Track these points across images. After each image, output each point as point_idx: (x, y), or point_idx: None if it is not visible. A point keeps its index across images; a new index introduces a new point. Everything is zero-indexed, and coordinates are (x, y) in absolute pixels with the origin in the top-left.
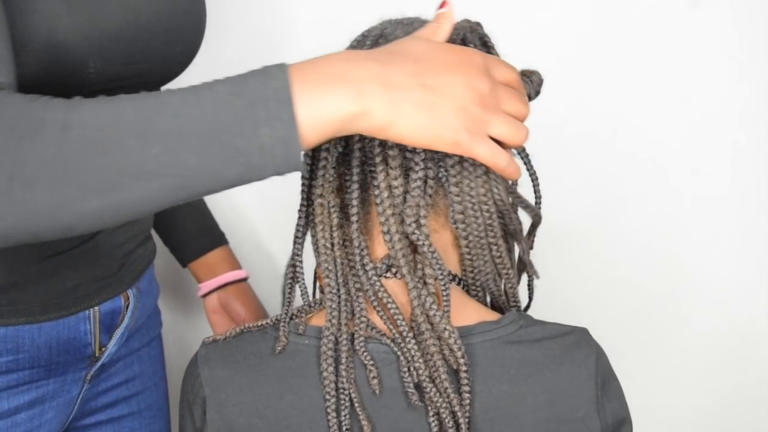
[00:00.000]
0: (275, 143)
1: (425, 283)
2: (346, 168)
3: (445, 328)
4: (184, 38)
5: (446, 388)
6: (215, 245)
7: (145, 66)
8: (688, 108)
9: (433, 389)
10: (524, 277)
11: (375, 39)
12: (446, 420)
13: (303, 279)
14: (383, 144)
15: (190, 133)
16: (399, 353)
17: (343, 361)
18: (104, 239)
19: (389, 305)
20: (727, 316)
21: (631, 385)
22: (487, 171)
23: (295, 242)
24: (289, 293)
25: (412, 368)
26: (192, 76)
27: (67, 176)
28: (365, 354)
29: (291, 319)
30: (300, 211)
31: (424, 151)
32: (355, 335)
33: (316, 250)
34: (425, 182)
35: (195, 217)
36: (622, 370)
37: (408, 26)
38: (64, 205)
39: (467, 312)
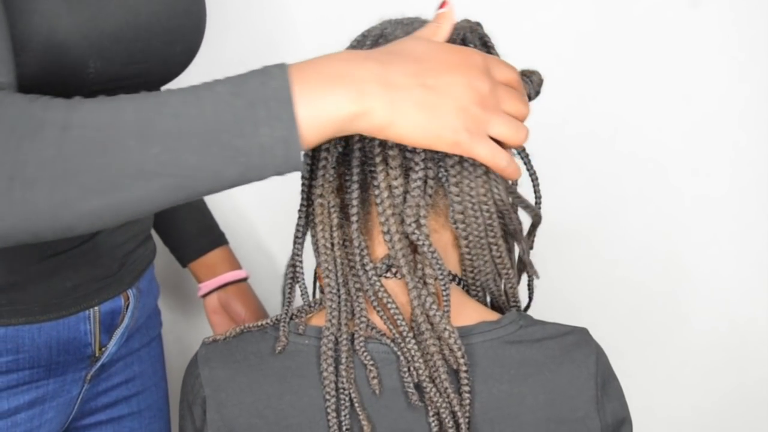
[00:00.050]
0: (275, 143)
1: (425, 283)
2: (346, 168)
3: (445, 328)
4: (184, 38)
5: (446, 388)
6: (215, 245)
7: (145, 66)
8: (688, 108)
9: (433, 389)
10: (524, 277)
11: (375, 39)
12: (446, 420)
13: (303, 279)
14: (383, 144)
15: (190, 133)
16: (399, 353)
17: (343, 361)
18: (104, 239)
19: (389, 305)
20: (727, 316)
21: (631, 385)
22: (487, 171)
23: (295, 242)
24: (289, 293)
25: (412, 368)
26: (192, 76)
27: (67, 176)
28: (365, 354)
29: (291, 319)
30: (300, 211)
31: (424, 151)
32: (355, 335)
33: (316, 250)
34: (425, 182)
35: (195, 217)
36: (622, 370)
37: (408, 26)
38: (64, 205)
39: (467, 312)
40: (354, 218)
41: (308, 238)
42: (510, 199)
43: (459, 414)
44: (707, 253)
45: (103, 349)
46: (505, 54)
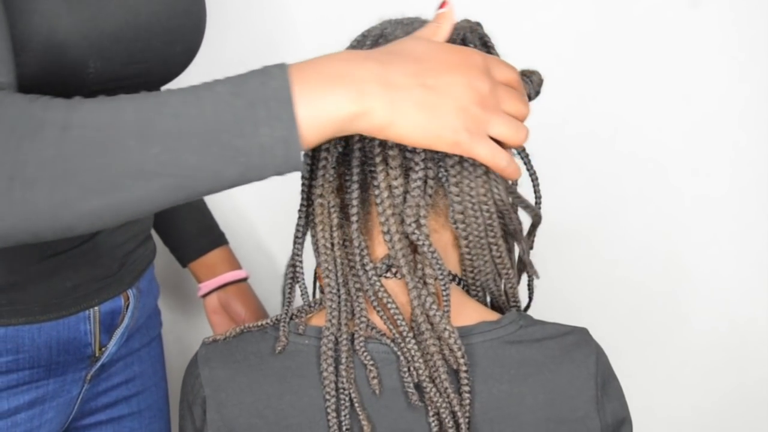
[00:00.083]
0: (275, 143)
1: (425, 283)
2: (346, 168)
3: (445, 328)
4: (184, 38)
5: (446, 388)
6: (215, 245)
7: (145, 66)
8: (688, 108)
9: (433, 389)
10: (524, 277)
11: (375, 39)
12: (446, 420)
13: (303, 279)
14: (383, 144)
15: (190, 133)
16: (399, 353)
17: (343, 361)
18: (104, 239)
19: (389, 305)
20: (727, 316)
21: (631, 385)
22: (487, 171)
23: (295, 242)
24: (289, 293)
25: (412, 368)
26: (192, 76)
27: (67, 176)
28: (365, 354)
29: (291, 319)
30: (300, 211)
31: (424, 151)
32: (355, 335)
33: (316, 250)
34: (425, 182)
35: (195, 217)
36: (622, 370)
37: (408, 26)
38: (64, 205)
39: (467, 312)
40: (354, 218)
41: (308, 238)
42: (510, 200)
43: (459, 414)
44: (707, 253)
45: (103, 349)
46: (505, 54)
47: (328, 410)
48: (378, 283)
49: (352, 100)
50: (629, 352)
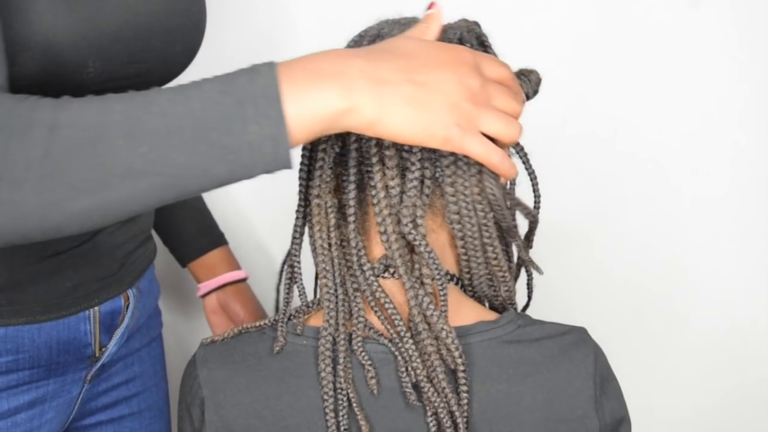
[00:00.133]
0: (264, 141)
1: (422, 283)
2: (343, 168)
3: (443, 328)
4: (184, 38)
5: (444, 388)
6: (215, 245)
7: (145, 66)
8: (688, 108)
9: (431, 389)
10: (523, 277)
11: (372, 39)
12: (444, 420)
13: (301, 279)
14: (380, 144)
15: (179, 131)
16: (397, 353)
17: (341, 361)
18: (104, 239)
19: (387, 305)
20: (727, 316)
21: (631, 385)
22: (481, 170)
23: (292, 242)
24: (287, 293)
25: (409, 368)
26: (192, 76)
27: (56, 176)
28: (363, 354)
29: (289, 319)
30: (297, 211)
31: (421, 150)
32: (353, 335)
33: (314, 250)
34: (422, 182)
35: (194, 218)
36: (622, 370)
37: (405, 26)
38: (53, 206)
39: (465, 312)
40: (351, 218)
41: (306, 239)
42: (507, 203)
43: (457, 414)
44: (707, 253)
45: (103, 349)
46: (505, 54)
47: (327, 410)
48: (375, 284)
49: (340, 96)
50: (629, 352)
